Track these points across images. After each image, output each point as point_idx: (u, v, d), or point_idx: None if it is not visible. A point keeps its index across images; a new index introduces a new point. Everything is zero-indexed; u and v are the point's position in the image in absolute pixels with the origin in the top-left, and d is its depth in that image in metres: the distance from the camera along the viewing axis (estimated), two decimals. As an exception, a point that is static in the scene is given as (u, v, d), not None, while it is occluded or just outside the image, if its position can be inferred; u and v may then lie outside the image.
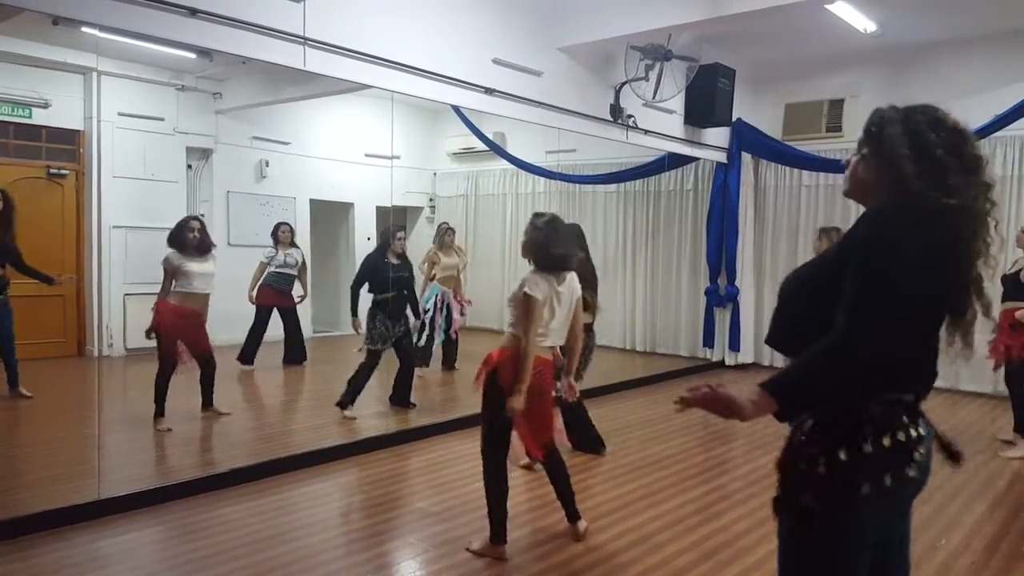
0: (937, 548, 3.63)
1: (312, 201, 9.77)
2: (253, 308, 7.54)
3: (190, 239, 5.42)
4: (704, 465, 4.98)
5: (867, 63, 7.98)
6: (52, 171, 7.79)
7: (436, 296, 7.58)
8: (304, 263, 7.80)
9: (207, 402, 5.74)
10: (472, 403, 6.21)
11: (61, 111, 7.77)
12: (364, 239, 10.40)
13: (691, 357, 9.21)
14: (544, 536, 3.70)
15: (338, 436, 5.31)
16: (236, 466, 4.51)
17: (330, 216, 10.18)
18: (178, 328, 5.37)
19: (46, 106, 7.65)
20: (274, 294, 7.55)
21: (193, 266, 5.39)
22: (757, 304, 8.96)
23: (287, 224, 7.83)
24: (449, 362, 7.90)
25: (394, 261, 6.11)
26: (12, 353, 6.04)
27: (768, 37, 7.64)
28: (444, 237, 7.86)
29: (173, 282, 5.41)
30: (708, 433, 5.81)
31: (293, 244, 7.72)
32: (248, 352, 7.48)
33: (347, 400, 5.78)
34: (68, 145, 7.97)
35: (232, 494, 4.18)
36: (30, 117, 7.60)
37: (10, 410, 5.94)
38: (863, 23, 6.68)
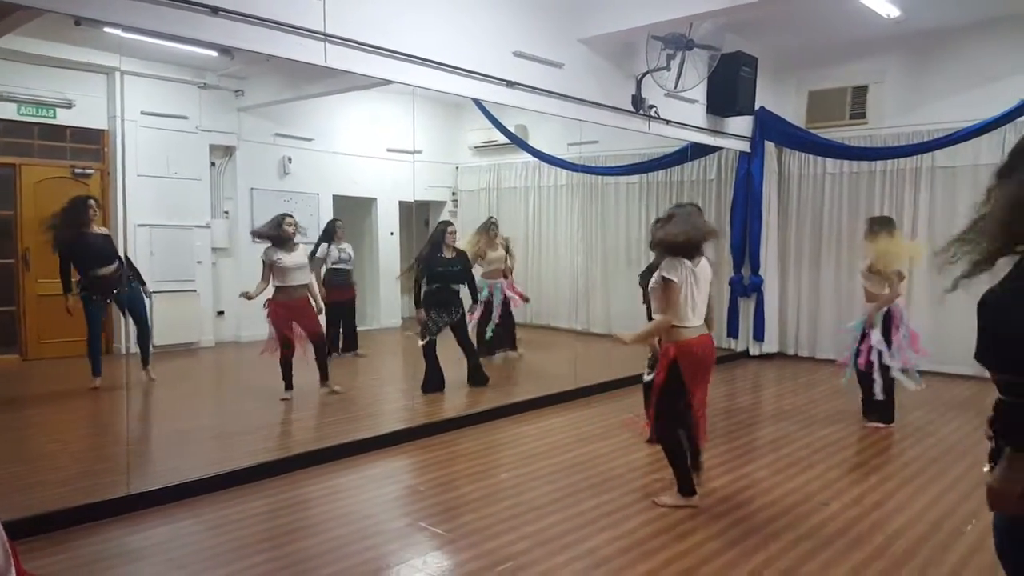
0: (965, 532, 3.58)
1: (335, 197, 9.82)
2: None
3: (289, 234, 6.04)
4: (735, 452, 4.94)
5: (891, 49, 7.85)
6: (77, 171, 7.90)
7: (485, 291, 7.76)
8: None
9: (323, 377, 6.33)
10: (482, 398, 6.34)
11: (85, 111, 7.88)
12: (388, 234, 10.44)
13: (715, 348, 9.11)
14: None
15: (361, 431, 5.34)
16: (263, 460, 4.57)
17: (353, 211, 10.22)
18: (289, 319, 6.03)
19: (70, 106, 7.75)
20: (337, 289, 7.93)
21: (287, 260, 6.01)
22: (782, 294, 8.87)
23: (340, 220, 8.25)
24: (511, 343, 8.25)
25: (448, 255, 6.47)
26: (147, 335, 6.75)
27: (790, 24, 7.55)
28: (488, 231, 8.05)
29: (272, 278, 6.03)
30: (732, 423, 5.78)
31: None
32: (336, 344, 8.00)
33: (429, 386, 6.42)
34: (92, 145, 8.08)
35: (258, 488, 4.22)
36: (54, 117, 7.70)
37: (44, 407, 6.05)
38: (886, 8, 6.57)
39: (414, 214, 10.72)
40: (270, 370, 6.18)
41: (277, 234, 6.04)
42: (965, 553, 3.42)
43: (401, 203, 10.26)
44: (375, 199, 10.31)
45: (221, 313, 8.67)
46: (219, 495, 4.10)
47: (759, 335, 8.76)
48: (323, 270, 7.88)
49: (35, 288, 7.24)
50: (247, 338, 8.39)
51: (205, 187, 8.76)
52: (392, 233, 10.45)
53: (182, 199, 8.43)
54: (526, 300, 8.35)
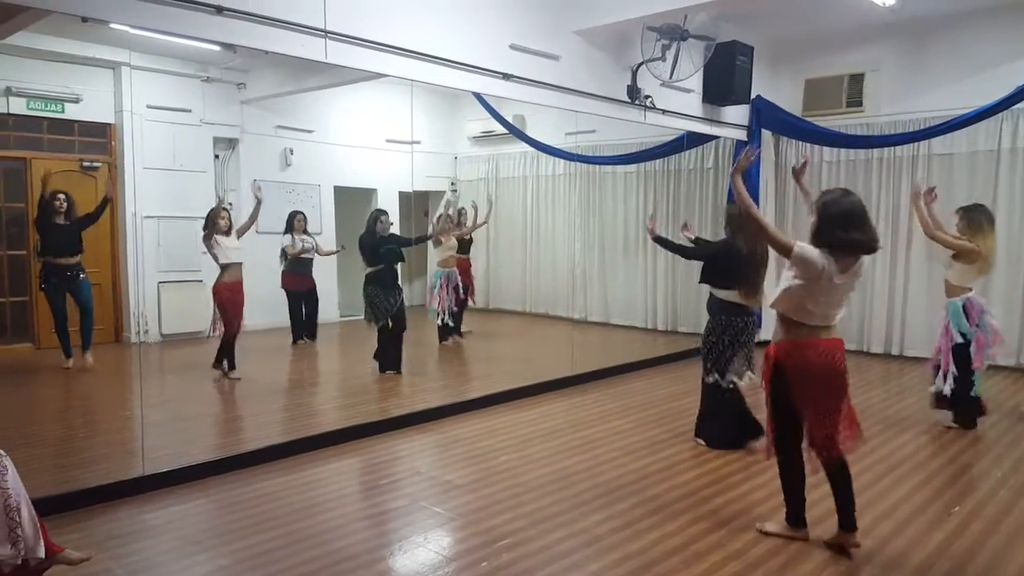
0: (951, 515, 3.73)
1: (336, 188, 9.95)
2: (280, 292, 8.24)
3: (221, 224, 6.45)
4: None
5: (887, 37, 7.92)
6: (85, 164, 8.05)
7: (440, 279, 8.18)
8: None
9: (225, 362, 6.58)
10: (482, 384, 6.48)
11: (92, 105, 8.02)
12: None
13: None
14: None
15: (363, 416, 5.49)
16: (270, 443, 4.73)
17: (354, 202, 10.33)
18: (226, 298, 6.42)
19: (77, 101, 7.90)
20: (299, 278, 8.24)
21: (224, 240, 6.46)
22: (777, 282, 8.95)
23: (302, 213, 8.43)
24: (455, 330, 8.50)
25: (386, 236, 6.95)
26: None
27: (786, 13, 7.62)
28: (445, 224, 8.47)
29: (217, 259, 6.42)
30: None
31: (306, 231, 8.35)
32: (299, 330, 8.32)
33: (385, 366, 6.88)
34: (99, 138, 8.22)
35: (266, 470, 4.39)
36: (63, 112, 7.85)
37: (58, 394, 6.22)
38: (881, -4, 6.64)
39: (413, 204, 10.84)
40: (274, 358, 6.33)
41: (213, 223, 6.49)
42: (954, 531, 3.56)
43: (401, 193, 10.37)
44: (375, 190, 10.42)
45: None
46: (227, 476, 4.27)
47: (757, 322, 8.86)
48: (286, 261, 8.18)
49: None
50: (252, 327, 8.54)
51: (209, 179, 8.89)
52: (392, 224, 10.57)
53: (187, 191, 8.56)
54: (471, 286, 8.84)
